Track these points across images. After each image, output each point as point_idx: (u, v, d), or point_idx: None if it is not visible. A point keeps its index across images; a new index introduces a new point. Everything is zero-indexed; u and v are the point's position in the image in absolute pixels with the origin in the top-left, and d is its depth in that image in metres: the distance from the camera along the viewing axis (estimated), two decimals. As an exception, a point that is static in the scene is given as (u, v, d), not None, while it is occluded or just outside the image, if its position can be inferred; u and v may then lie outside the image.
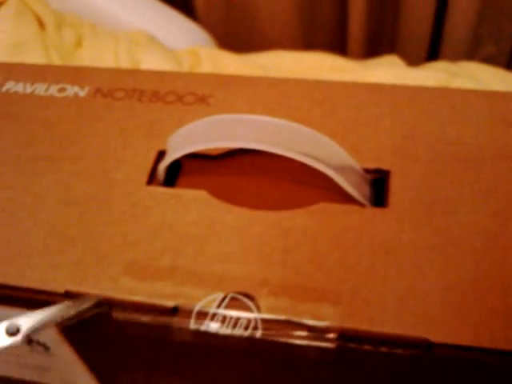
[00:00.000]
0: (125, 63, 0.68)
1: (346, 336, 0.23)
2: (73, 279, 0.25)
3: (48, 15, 0.70)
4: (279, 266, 0.25)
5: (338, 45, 0.96)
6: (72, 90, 0.33)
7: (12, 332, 0.23)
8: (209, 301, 0.24)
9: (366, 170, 0.28)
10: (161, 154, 0.29)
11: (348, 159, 0.27)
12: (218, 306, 0.24)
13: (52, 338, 0.27)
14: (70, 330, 0.27)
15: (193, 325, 0.23)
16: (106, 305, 0.24)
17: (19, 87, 0.34)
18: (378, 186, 0.28)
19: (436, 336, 0.22)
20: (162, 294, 0.24)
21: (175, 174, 0.30)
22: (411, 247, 0.25)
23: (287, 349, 0.23)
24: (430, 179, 0.27)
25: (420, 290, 0.24)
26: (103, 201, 0.28)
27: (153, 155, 0.30)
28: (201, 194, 0.28)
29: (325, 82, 0.33)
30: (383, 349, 0.23)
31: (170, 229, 0.26)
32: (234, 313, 0.23)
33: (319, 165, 0.26)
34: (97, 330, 0.26)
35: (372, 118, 0.30)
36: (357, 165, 0.28)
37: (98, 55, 0.71)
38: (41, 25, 0.70)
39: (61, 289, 0.25)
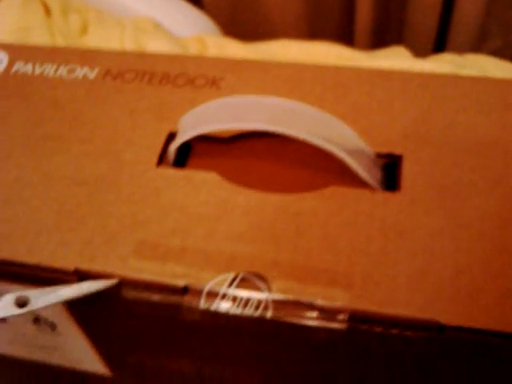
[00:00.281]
0: (130, 50, 0.68)
1: (357, 317, 0.23)
2: (82, 257, 0.25)
3: (54, 1, 0.70)
4: (290, 247, 0.25)
5: (345, 35, 0.96)
6: (81, 71, 0.33)
7: (20, 303, 0.23)
8: (219, 281, 0.24)
9: (378, 155, 0.28)
10: (171, 136, 0.29)
11: (360, 143, 0.27)
12: (229, 286, 0.24)
13: (59, 316, 0.27)
14: (78, 308, 0.27)
15: (203, 304, 0.23)
16: (116, 284, 0.24)
17: (28, 68, 0.34)
18: (390, 170, 0.28)
19: (447, 318, 0.22)
20: (172, 273, 0.24)
21: (185, 156, 0.30)
22: (422, 230, 0.25)
23: (297, 330, 0.23)
24: (441, 164, 0.27)
25: (431, 273, 0.24)
26: (113, 181, 0.28)
27: (163, 137, 0.29)
28: (211, 176, 0.27)
29: (336, 67, 0.32)
30: (394, 331, 0.23)
31: (181, 209, 0.26)
32: (244, 293, 0.23)
33: (332, 147, 0.26)
34: (105, 309, 0.26)
35: (384, 103, 0.30)
36: (368, 149, 0.28)
37: (103, 42, 0.71)
38: (47, 11, 0.70)
39: (70, 266, 0.25)
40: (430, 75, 0.32)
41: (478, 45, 0.94)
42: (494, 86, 0.31)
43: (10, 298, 0.24)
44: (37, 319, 0.28)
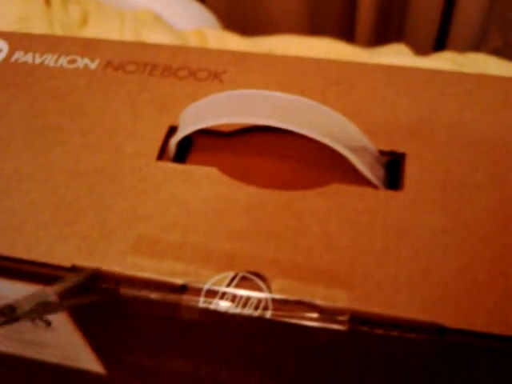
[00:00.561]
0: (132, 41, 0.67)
1: (358, 319, 0.22)
2: (80, 253, 0.24)
3: (54, -9, 0.70)
4: (291, 246, 0.24)
5: (346, 32, 0.96)
6: (82, 61, 0.33)
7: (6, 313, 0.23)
8: (219, 279, 0.23)
9: (381, 152, 0.28)
10: (172, 130, 0.29)
11: (363, 140, 0.27)
12: (228, 285, 0.23)
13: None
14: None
15: (202, 303, 0.23)
16: (113, 281, 0.24)
17: (28, 57, 0.33)
18: (392, 168, 0.28)
19: (449, 321, 0.22)
20: (171, 271, 0.24)
21: (186, 150, 0.29)
22: (425, 230, 0.25)
23: (297, 330, 0.23)
24: (445, 162, 0.27)
25: (433, 274, 0.23)
26: (113, 174, 0.27)
27: (164, 130, 0.29)
28: (212, 171, 0.27)
29: (340, 62, 0.32)
30: (395, 333, 0.22)
31: (180, 205, 0.26)
32: (244, 292, 0.23)
33: (334, 143, 0.26)
34: (102, 307, 0.26)
35: (388, 99, 0.30)
36: (372, 146, 0.27)
37: (103, 33, 0.70)
38: (47, 1, 0.69)
39: (67, 263, 0.24)
40: (434, 72, 0.31)
41: (478, 44, 0.94)
42: (499, 84, 0.31)
43: None
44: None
